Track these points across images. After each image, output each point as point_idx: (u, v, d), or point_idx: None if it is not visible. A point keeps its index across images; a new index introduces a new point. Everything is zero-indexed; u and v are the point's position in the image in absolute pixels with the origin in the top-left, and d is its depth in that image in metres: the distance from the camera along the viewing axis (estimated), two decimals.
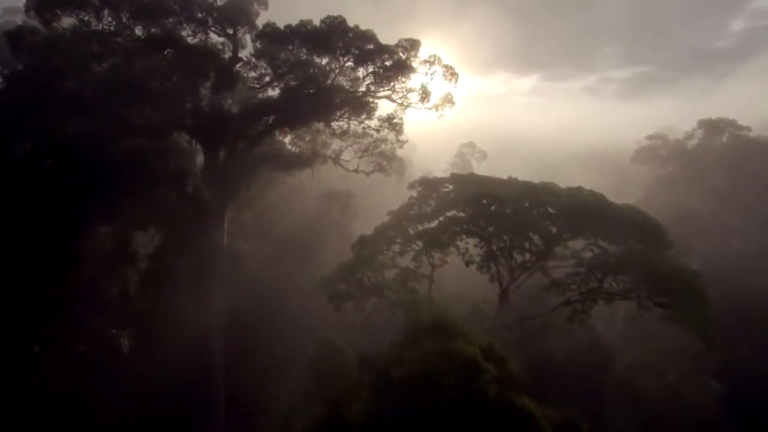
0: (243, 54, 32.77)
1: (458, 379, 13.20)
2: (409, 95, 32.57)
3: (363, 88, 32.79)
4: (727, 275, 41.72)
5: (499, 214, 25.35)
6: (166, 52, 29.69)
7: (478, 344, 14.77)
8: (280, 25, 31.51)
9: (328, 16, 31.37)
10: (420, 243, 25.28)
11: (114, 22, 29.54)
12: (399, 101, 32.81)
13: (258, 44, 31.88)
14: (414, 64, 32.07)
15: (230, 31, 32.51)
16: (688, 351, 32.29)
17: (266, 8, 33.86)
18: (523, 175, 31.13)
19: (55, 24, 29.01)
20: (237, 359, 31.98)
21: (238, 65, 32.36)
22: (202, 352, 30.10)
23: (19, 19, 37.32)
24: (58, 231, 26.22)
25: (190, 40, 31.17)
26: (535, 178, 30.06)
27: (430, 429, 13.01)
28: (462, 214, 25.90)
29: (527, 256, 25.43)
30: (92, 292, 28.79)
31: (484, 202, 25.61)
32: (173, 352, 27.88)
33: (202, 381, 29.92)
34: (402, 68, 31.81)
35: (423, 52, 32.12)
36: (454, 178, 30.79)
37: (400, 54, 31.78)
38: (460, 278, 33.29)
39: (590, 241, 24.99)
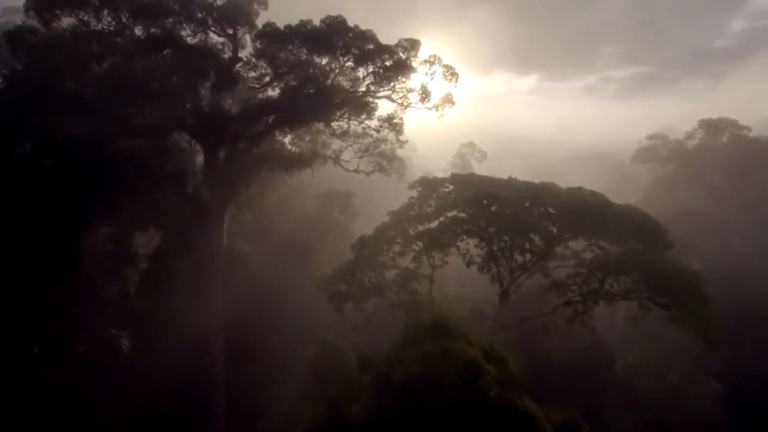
0: (243, 54, 32.80)
1: (459, 380, 13.16)
2: (409, 95, 32.58)
3: (363, 88, 32.78)
4: (728, 275, 41.72)
5: (500, 214, 25.29)
6: (165, 52, 29.66)
7: (479, 345, 14.74)
8: (280, 25, 31.52)
9: (328, 16, 31.37)
10: (420, 243, 25.21)
11: (113, 22, 29.50)
12: (399, 101, 32.80)
13: (258, 44, 31.86)
14: (414, 64, 32.06)
15: (230, 31, 32.48)
16: (688, 351, 32.29)
17: (266, 8, 33.84)
18: (522, 174, 31.08)
19: (54, 24, 28.98)
20: (237, 359, 31.95)
21: (238, 65, 32.33)
22: (202, 352, 30.07)
23: (18, 19, 37.28)
24: (58, 231, 26.20)
25: (189, 40, 31.15)
26: (535, 178, 30.02)
27: (430, 430, 12.98)
28: (462, 215, 25.84)
29: (528, 256, 25.37)
30: (92, 293, 28.78)
31: (485, 202, 25.55)
32: (173, 352, 27.85)
33: (202, 381, 29.89)
34: (402, 68, 31.79)
35: (423, 52, 32.18)
36: (455, 179, 30.74)
37: (400, 54, 31.76)
38: (460, 278, 33.28)
39: (591, 242, 24.92)
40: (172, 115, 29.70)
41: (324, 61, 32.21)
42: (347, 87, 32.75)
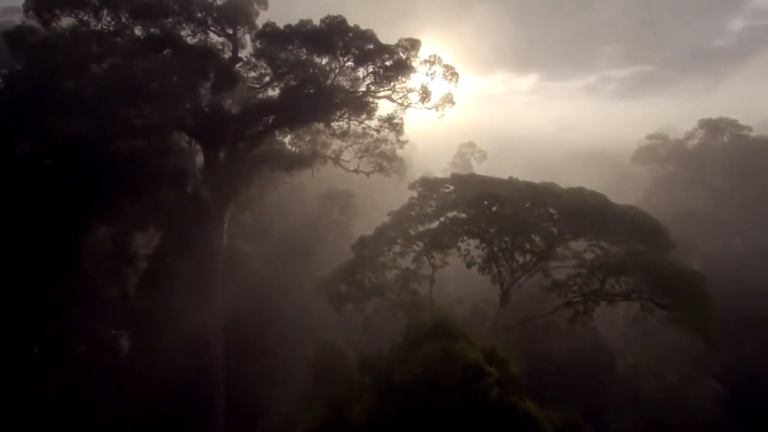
0: (243, 54, 32.78)
1: (460, 382, 13.12)
2: (410, 95, 32.57)
3: (363, 88, 32.75)
4: (728, 275, 41.68)
5: (501, 215, 25.25)
6: (165, 52, 29.60)
7: (480, 346, 14.70)
8: (280, 24, 31.50)
9: (328, 15, 31.35)
10: (421, 244, 25.16)
11: (113, 22, 29.47)
12: (399, 101, 32.78)
13: (258, 44, 31.83)
14: (414, 64, 32.05)
15: (230, 31, 32.44)
16: (688, 351, 32.32)
17: (266, 8, 33.80)
18: (522, 174, 31.05)
19: (54, 24, 28.96)
20: (237, 360, 31.90)
21: (238, 65, 32.29)
22: (202, 352, 30.03)
23: (17, 19, 37.15)
24: (58, 231, 26.16)
25: (189, 40, 31.12)
26: (535, 178, 29.99)
27: None
28: (463, 215, 25.79)
29: (528, 257, 25.33)
30: (92, 293, 28.75)
31: (485, 203, 25.51)
32: (173, 352, 27.82)
33: (202, 381, 29.85)
34: (402, 68, 31.76)
35: (423, 52, 32.16)
36: (455, 179, 30.70)
37: (401, 54, 31.73)
38: (460, 279, 33.24)
39: (592, 242, 24.88)
40: (172, 115, 29.65)
41: (324, 61, 32.18)
42: (347, 87, 32.71)
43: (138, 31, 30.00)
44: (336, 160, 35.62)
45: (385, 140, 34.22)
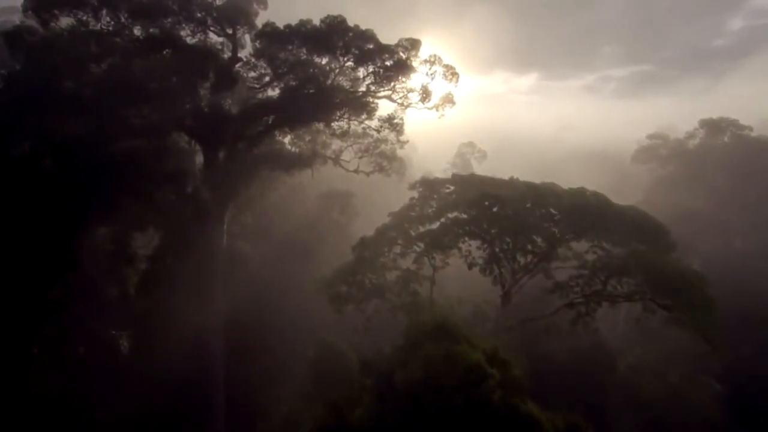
0: (242, 54, 32.74)
1: (462, 384, 13.06)
2: (410, 95, 32.53)
3: (363, 88, 32.69)
4: (728, 275, 41.64)
5: (501, 215, 25.18)
6: (164, 52, 29.55)
7: (482, 348, 14.64)
8: (280, 24, 31.44)
9: (328, 15, 31.29)
10: (421, 244, 25.10)
11: (112, 22, 29.42)
12: (399, 101, 32.73)
13: (257, 44, 31.77)
14: (414, 64, 32.00)
15: (229, 31, 32.38)
16: (689, 351, 32.28)
17: (266, 8, 33.74)
18: (522, 174, 31.01)
19: (52, 24, 28.91)
20: (237, 359, 31.88)
21: (238, 65, 32.22)
22: (202, 352, 29.99)
23: (16, 19, 37.06)
24: (58, 231, 26.11)
25: (189, 40, 31.08)
26: (535, 178, 29.94)
27: None
28: (464, 216, 25.72)
29: (529, 257, 25.27)
30: (92, 293, 28.72)
31: (486, 203, 25.44)
32: (173, 352, 27.80)
33: (202, 381, 29.82)
34: (402, 68, 31.70)
35: (423, 52, 32.09)
36: (455, 179, 30.63)
37: (401, 54, 31.67)
38: (461, 279, 33.18)
39: (593, 243, 24.82)
40: (172, 115, 29.60)
41: (324, 61, 32.12)
42: (347, 87, 32.66)
43: (137, 31, 29.95)
44: (336, 160, 35.58)
45: (385, 140, 34.18)
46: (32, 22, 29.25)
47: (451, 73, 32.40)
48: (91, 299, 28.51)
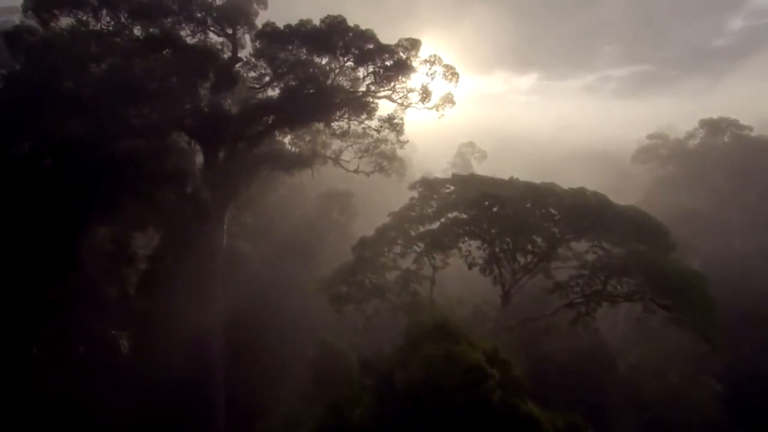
0: (242, 54, 32.73)
1: (462, 384, 13.05)
2: (410, 95, 32.50)
3: (363, 88, 32.68)
4: (728, 275, 41.65)
5: (502, 215, 25.18)
6: (164, 52, 29.54)
7: (482, 348, 14.64)
8: (280, 24, 31.43)
9: (328, 15, 31.28)
10: (422, 244, 25.10)
11: (112, 22, 29.41)
12: (399, 101, 32.71)
13: (257, 44, 31.76)
14: (414, 64, 31.99)
15: (229, 31, 32.37)
16: (689, 351, 32.28)
17: (265, 8, 33.73)
18: (522, 174, 31.01)
19: (52, 24, 28.90)
20: (237, 359, 31.88)
21: (238, 65, 32.22)
22: (201, 352, 30.00)
23: (16, 19, 37.07)
24: (58, 231, 26.11)
25: (189, 40, 31.07)
26: (535, 178, 29.95)
27: None
28: (464, 216, 25.72)
29: (529, 258, 25.27)
30: (92, 293, 28.72)
31: (486, 203, 25.43)
32: (173, 352, 27.82)
33: (202, 381, 29.83)
34: (402, 68, 31.69)
35: (423, 52, 32.08)
36: (455, 179, 30.62)
37: (401, 54, 31.66)
38: (461, 279, 33.18)
39: (594, 243, 24.81)
40: (172, 115, 29.59)
41: (324, 61, 32.11)
42: (347, 87, 32.65)
43: (137, 31, 29.94)
44: (336, 160, 35.57)
45: (385, 140, 34.17)
46: (32, 22, 29.24)
47: (451, 73, 32.40)
48: (91, 299, 28.51)
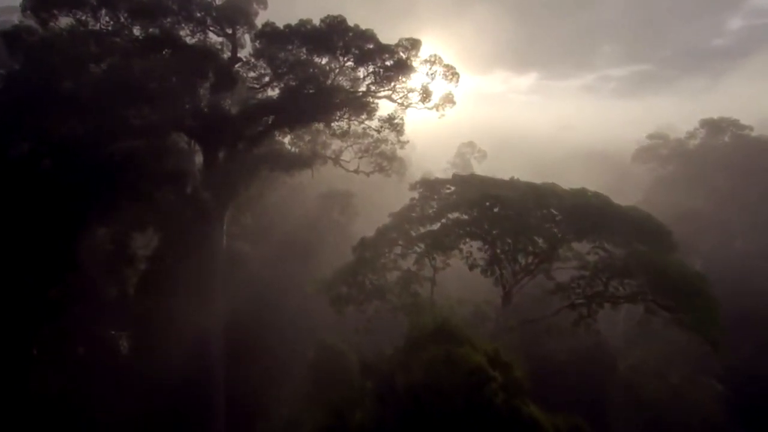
0: (242, 54, 32.64)
1: (463, 386, 13.00)
2: (410, 95, 32.41)
3: (363, 88, 32.59)
4: (729, 275, 41.68)
5: (502, 216, 25.12)
6: (164, 52, 29.43)
7: (484, 350, 14.58)
8: (280, 24, 31.32)
9: (328, 15, 31.18)
10: (422, 245, 25.05)
11: (112, 22, 29.31)
12: (399, 101, 32.62)
13: (257, 44, 31.64)
14: (414, 64, 31.89)
15: (229, 31, 32.29)
16: (689, 352, 32.24)
17: (265, 8, 33.67)
18: (522, 174, 31.00)
19: (52, 24, 28.81)
20: (237, 360, 31.84)
21: (237, 65, 32.12)
22: (201, 352, 29.98)
23: (15, 19, 36.95)
24: (58, 232, 26.05)
25: (188, 40, 30.96)
26: (535, 177, 29.91)
27: None
28: (465, 217, 25.68)
29: (530, 258, 25.22)
30: (92, 293, 28.66)
31: (487, 204, 25.37)
32: (173, 352, 27.81)
33: (202, 381, 29.81)
34: (402, 68, 31.60)
35: (423, 52, 31.98)
36: (456, 179, 30.56)
37: (401, 54, 31.57)
38: (462, 280, 33.13)
39: (595, 244, 24.75)
40: (171, 115, 29.52)
41: (324, 61, 32.01)
42: (347, 87, 32.56)
43: (137, 31, 29.85)
44: (336, 160, 35.48)
45: (385, 140, 34.08)
46: (31, 22, 29.13)
47: (452, 73, 32.31)
48: (91, 299, 28.45)
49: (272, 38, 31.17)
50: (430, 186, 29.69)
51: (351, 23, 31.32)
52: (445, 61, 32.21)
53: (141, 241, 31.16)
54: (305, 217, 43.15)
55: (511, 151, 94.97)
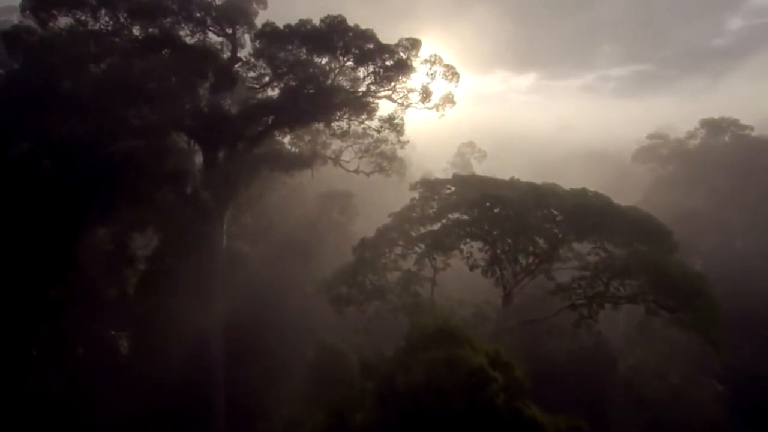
0: (242, 54, 32.58)
1: (465, 388, 12.97)
2: (410, 95, 32.37)
3: (363, 88, 32.55)
4: (729, 275, 41.67)
5: (503, 216, 25.11)
6: (164, 52, 29.38)
7: (484, 351, 14.55)
8: (280, 24, 31.27)
9: (328, 15, 31.13)
10: (423, 246, 25.03)
11: (111, 22, 29.27)
12: (399, 101, 32.58)
13: (257, 44, 31.60)
14: (414, 64, 31.85)
15: (229, 31, 32.24)
16: (690, 352, 32.27)
17: (265, 7, 33.60)
18: (522, 173, 30.99)
19: (51, 24, 28.77)
20: (237, 360, 31.83)
21: (237, 65, 32.08)
22: (201, 352, 29.96)
23: (15, 19, 36.91)
24: (58, 232, 26.02)
25: (188, 39, 30.91)
26: (535, 177, 29.90)
27: None
28: (465, 217, 25.66)
29: (531, 259, 25.20)
30: (92, 293, 28.64)
31: (488, 204, 25.35)
32: (173, 352, 27.81)
33: (202, 381, 29.80)
34: (403, 68, 31.57)
35: (423, 52, 31.94)
36: (456, 179, 30.56)
37: (401, 54, 31.53)
38: (462, 280, 33.13)
39: (596, 245, 24.73)
40: (171, 115, 29.48)
41: (324, 61, 31.96)
42: (347, 87, 32.51)
43: (136, 31, 29.80)
44: (336, 160, 35.45)
45: (385, 140, 34.04)
46: (31, 22, 29.08)
47: (452, 73, 32.27)
48: (90, 300, 28.44)
49: (272, 38, 31.13)
50: (430, 186, 29.68)
51: (351, 23, 31.31)
52: (445, 61, 32.21)
53: (141, 241, 31.14)
54: (305, 217, 43.12)
55: (511, 151, 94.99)
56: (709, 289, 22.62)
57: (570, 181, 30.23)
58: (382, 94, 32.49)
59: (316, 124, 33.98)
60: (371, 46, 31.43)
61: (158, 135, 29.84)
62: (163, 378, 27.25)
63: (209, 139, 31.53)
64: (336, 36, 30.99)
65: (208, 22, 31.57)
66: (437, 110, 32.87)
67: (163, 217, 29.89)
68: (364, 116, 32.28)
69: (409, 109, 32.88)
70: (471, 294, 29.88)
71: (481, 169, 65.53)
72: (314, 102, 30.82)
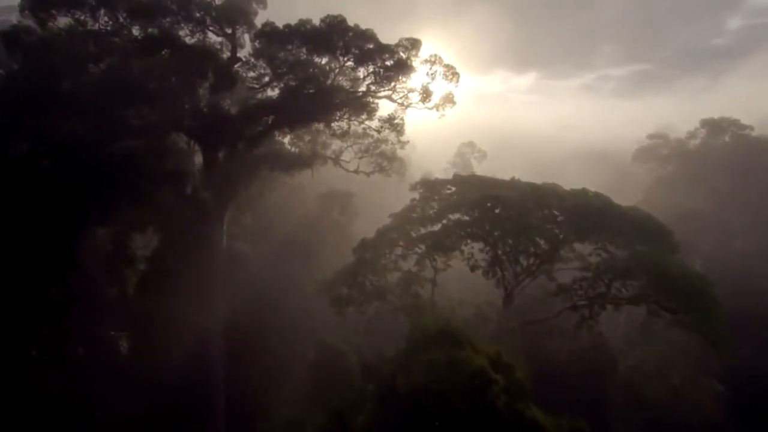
0: (242, 54, 32.53)
1: (466, 390, 12.94)
2: (410, 95, 32.32)
3: (363, 88, 32.51)
4: (729, 275, 41.59)
5: (504, 217, 25.07)
6: (163, 52, 29.35)
7: (485, 352, 14.52)
8: (280, 24, 31.22)
9: (328, 15, 31.08)
10: (423, 246, 24.99)
11: (110, 22, 29.22)
12: (399, 101, 32.54)
13: (257, 44, 31.54)
14: (414, 64, 31.81)
15: (229, 31, 32.18)
16: (690, 352, 32.22)
17: (265, 7, 33.55)
18: (522, 173, 30.97)
19: (50, 24, 28.72)
20: (237, 360, 31.79)
21: (237, 65, 32.03)
22: (201, 352, 29.95)
23: (14, 19, 36.84)
24: (57, 232, 25.98)
25: (188, 39, 30.86)
26: (535, 177, 29.87)
27: None
28: (466, 218, 25.62)
29: (532, 259, 25.16)
30: (91, 294, 28.62)
31: (488, 204, 25.31)
32: (173, 352, 27.78)
33: (202, 381, 29.78)
34: (403, 68, 31.52)
35: (422, 51, 31.90)
36: (456, 180, 30.52)
37: (401, 53, 31.49)
38: (462, 281, 33.07)
39: (597, 245, 24.69)
40: (171, 115, 29.45)
41: (324, 60, 31.92)
42: (347, 87, 32.47)
43: (136, 31, 29.75)
44: (336, 160, 35.42)
45: (385, 140, 34.01)
46: (30, 22, 29.03)
47: (452, 72, 32.22)
48: (91, 300, 28.42)
49: (272, 38, 31.07)
50: (430, 186, 29.64)
51: (351, 23, 31.26)
52: (445, 61, 32.16)
53: (141, 241, 31.11)
54: (305, 217, 43.07)
55: (511, 151, 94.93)
56: (710, 289, 22.57)
57: (570, 181, 30.20)
58: (382, 94, 32.46)
59: (316, 124, 33.94)
60: (371, 46, 31.38)
61: (158, 135, 29.80)
62: (163, 378, 27.23)
63: (209, 139, 31.49)
64: (336, 36, 30.94)
65: (208, 22, 31.51)
66: (437, 110, 32.84)
67: (163, 217, 29.86)
68: (364, 116, 32.24)
69: (409, 109, 32.85)
70: (472, 295, 29.84)
71: (481, 169, 65.51)
72: (314, 102, 30.78)
